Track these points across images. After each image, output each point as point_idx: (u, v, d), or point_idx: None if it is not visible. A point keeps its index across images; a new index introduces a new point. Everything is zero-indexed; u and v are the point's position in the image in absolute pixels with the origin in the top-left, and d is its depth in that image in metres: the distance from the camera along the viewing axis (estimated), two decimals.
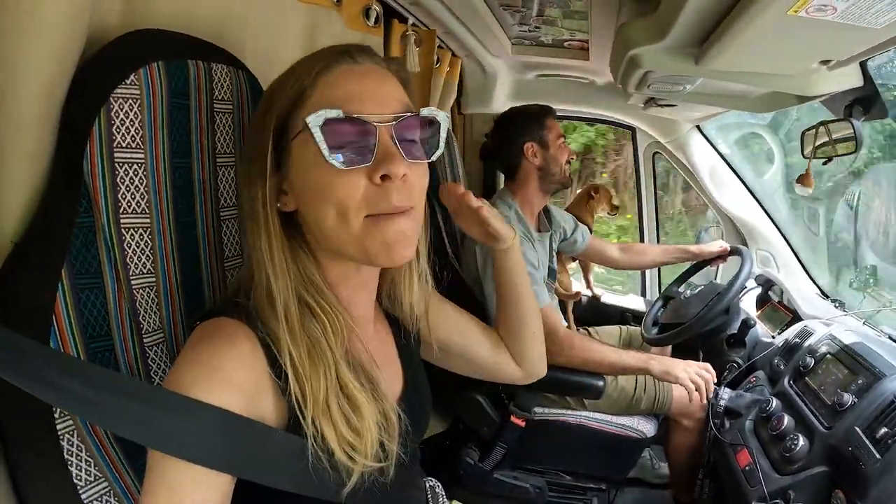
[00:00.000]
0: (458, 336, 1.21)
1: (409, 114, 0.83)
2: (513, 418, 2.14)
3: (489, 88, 3.06)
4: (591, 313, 3.17)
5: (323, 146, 0.77)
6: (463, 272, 2.21)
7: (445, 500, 1.16)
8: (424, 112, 0.85)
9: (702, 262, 2.62)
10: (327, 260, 0.90)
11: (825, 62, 1.28)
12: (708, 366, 2.02)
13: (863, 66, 1.52)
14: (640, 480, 2.73)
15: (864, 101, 1.69)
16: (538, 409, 2.20)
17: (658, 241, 3.41)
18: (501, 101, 3.12)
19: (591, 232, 2.87)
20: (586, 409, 2.23)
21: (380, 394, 0.87)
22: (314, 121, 0.76)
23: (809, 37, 1.12)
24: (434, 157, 0.87)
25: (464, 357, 1.23)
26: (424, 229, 0.98)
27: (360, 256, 0.84)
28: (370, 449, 0.81)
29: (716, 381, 1.99)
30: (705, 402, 2.01)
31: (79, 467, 0.82)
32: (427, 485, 1.11)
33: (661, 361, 2.02)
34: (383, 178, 0.79)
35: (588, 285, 3.30)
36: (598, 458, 2.31)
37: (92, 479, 0.84)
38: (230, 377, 0.73)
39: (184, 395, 0.69)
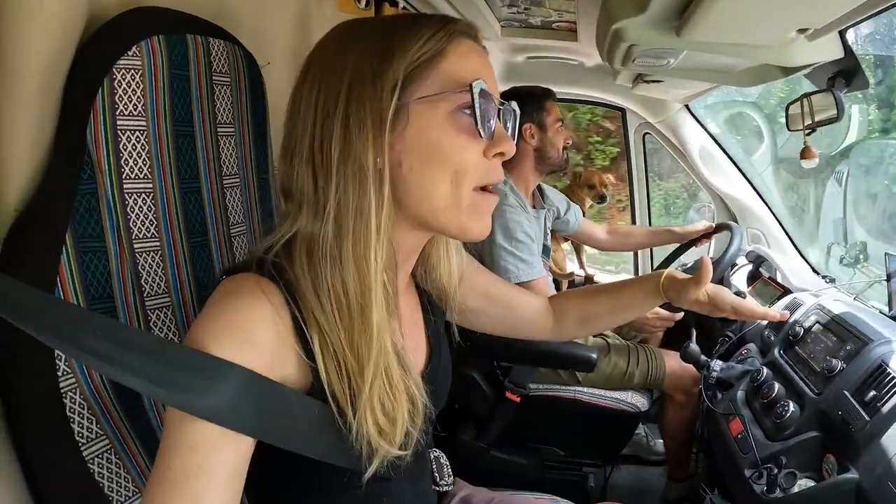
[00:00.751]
0: (496, 305, 1.25)
1: (506, 103, 0.89)
2: (508, 394, 2.16)
3: None
4: None
5: (479, 113, 0.78)
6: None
7: (450, 470, 1.17)
8: (514, 106, 0.91)
9: (688, 243, 2.64)
10: (395, 228, 0.85)
11: (803, 30, 1.30)
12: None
13: (842, 37, 1.54)
14: (636, 457, 2.77)
15: (846, 73, 1.71)
16: (533, 386, 2.23)
17: (650, 220, 3.44)
18: None
19: (583, 214, 2.89)
20: (580, 385, 2.26)
21: (411, 378, 0.85)
22: (477, 86, 0.78)
23: (784, 4, 1.14)
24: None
25: (501, 320, 1.27)
26: None
27: (453, 226, 0.84)
28: (399, 437, 0.79)
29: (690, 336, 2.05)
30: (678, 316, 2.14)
31: (80, 424, 0.83)
32: (432, 455, 1.11)
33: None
34: (498, 154, 0.83)
35: (581, 266, 3.32)
36: (593, 433, 2.33)
37: (94, 436, 0.85)
38: (253, 336, 0.71)
39: (204, 353, 0.68)
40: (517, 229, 2.11)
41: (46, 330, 0.65)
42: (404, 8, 2.08)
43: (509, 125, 0.90)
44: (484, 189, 0.85)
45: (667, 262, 2.64)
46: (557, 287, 2.92)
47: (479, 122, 0.78)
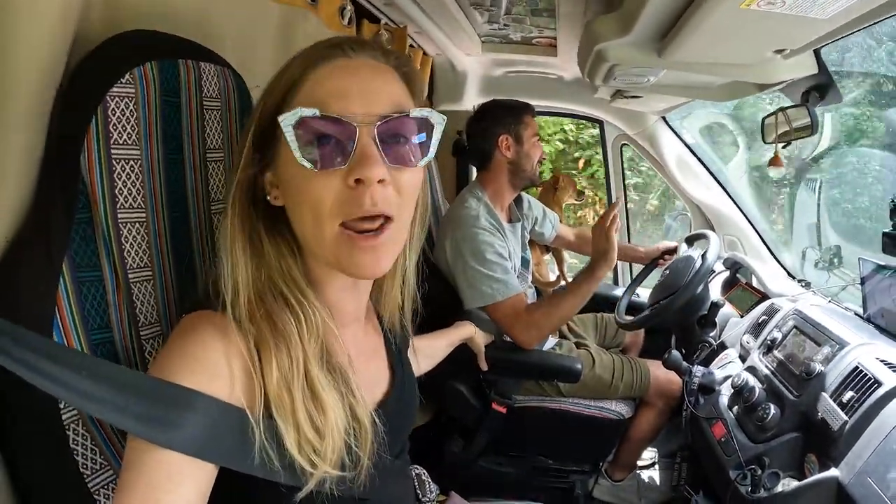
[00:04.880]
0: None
1: (396, 114, 0.77)
2: (494, 406, 2.18)
3: (460, 85, 3.11)
4: None
5: (294, 146, 0.73)
6: (437, 264, 2.27)
7: (433, 486, 1.19)
8: (415, 113, 0.79)
9: (650, 263, 2.68)
10: (312, 259, 0.85)
11: (779, 51, 1.35)
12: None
13: (817, 54, 1.59)
14: None
15: (820, 87, 1.76)
16: (518, 397, 2.24)
17: (629, 230, 3.49)
18: (472, 98, 3.17)
19: (560, 219, 2.92)
20: (564, 397, 2.28)
21: (355, 398, 0.82)
22: (287, 120, 0.73)
23: (762, 28, 1.19)
24: (423, 163, 0.81)
25: None
26: (415, 240, 0.97)
27: (334, 264, 0.81)
28: (332, 454, 0.76)
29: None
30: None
31: (84, 456, 0.83)
32: (413, 473, 1.13)
33: (601, 266, 2.08)
34: (357, 181, 0.74)
35: (562, 276, 3.35)
36: (578, 442, 2.35)
37: (98, 467, 0.85)
38: (213, 367, 0.71)
39: (177, 385, 0.68)
40: (487, 250, 2.11)
41: (18, 361, 0.65)
42: (386, 24, 2.11)
43: (402, 139, 0.79)
44: (348, 227, 0.77)
45: (637, 280, 2.67)
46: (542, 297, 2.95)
47: (296, 154, 0.74)
